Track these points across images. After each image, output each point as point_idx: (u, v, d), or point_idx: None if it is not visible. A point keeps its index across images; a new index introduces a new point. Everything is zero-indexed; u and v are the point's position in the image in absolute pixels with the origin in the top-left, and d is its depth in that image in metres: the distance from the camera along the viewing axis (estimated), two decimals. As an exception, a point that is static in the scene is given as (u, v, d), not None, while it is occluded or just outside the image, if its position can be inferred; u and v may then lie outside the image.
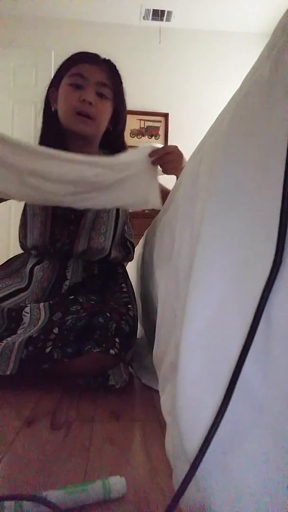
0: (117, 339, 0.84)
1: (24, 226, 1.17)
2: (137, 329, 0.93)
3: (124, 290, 1.08)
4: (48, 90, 1.15)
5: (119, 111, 1.15)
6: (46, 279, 1.08)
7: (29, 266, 1.13)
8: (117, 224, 1.16)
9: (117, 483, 0.45)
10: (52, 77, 1.15)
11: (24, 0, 3.37)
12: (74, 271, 1.10)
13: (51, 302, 0.97)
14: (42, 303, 0.97)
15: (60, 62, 1.14)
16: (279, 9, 3.22)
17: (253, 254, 0.36)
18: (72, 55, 1.12)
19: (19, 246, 1.22)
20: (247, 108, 0.40)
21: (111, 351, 0.82)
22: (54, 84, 1.13)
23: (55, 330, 0.85)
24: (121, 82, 1.15)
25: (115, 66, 1.14)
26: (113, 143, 1.19)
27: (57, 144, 1.04)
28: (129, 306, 0.97)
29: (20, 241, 1.20)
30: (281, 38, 0.36)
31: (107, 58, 1.14)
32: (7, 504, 0.41)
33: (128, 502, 0.45)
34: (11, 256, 1.26)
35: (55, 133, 1.12)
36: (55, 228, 1.10)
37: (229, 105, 0.50)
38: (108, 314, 0.87)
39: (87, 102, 1.05)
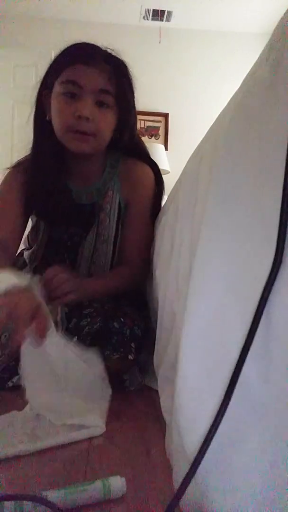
0: (132, 344, 0.85)
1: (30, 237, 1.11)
2: (149, 332, 0.93)
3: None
4: (39, 92, 0.97)
5: (125, 116, 0.98)
6: None
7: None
8: (115, 250, 1.05)
9: (117, 483, 0.45)
10: (44, 74, 0.96)
11: (24, 0, 3.37)
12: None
13: (66, 311, 0.93)
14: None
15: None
16: (279, 9, 3.22)
17: (253, 254, 0.36)
18: (65, 50, 0.94)
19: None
20: (247, 108, 0.40)
21: (129, 357, 0.83)
22: (47, 85, 0.95)
23: (74, 339, 0.85)
24: (127, 82, 0.97)
25: (120, 63, 0.95)
26: (124, 146, 1.05)
27: (55, 164, 0.97)
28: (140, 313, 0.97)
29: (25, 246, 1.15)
30: (281, 38, 0.36)
31: (109, 50, 0.96)
32: (7, 504, 0.41)
33: (128, 502, 0.45)
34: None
35: (51, 150, 0.97)
36: (50, 250, 1.04)
37: (229, 105, 0.50)
38: (121, 319, 0.88)
39: (84, 118, 0.89)
